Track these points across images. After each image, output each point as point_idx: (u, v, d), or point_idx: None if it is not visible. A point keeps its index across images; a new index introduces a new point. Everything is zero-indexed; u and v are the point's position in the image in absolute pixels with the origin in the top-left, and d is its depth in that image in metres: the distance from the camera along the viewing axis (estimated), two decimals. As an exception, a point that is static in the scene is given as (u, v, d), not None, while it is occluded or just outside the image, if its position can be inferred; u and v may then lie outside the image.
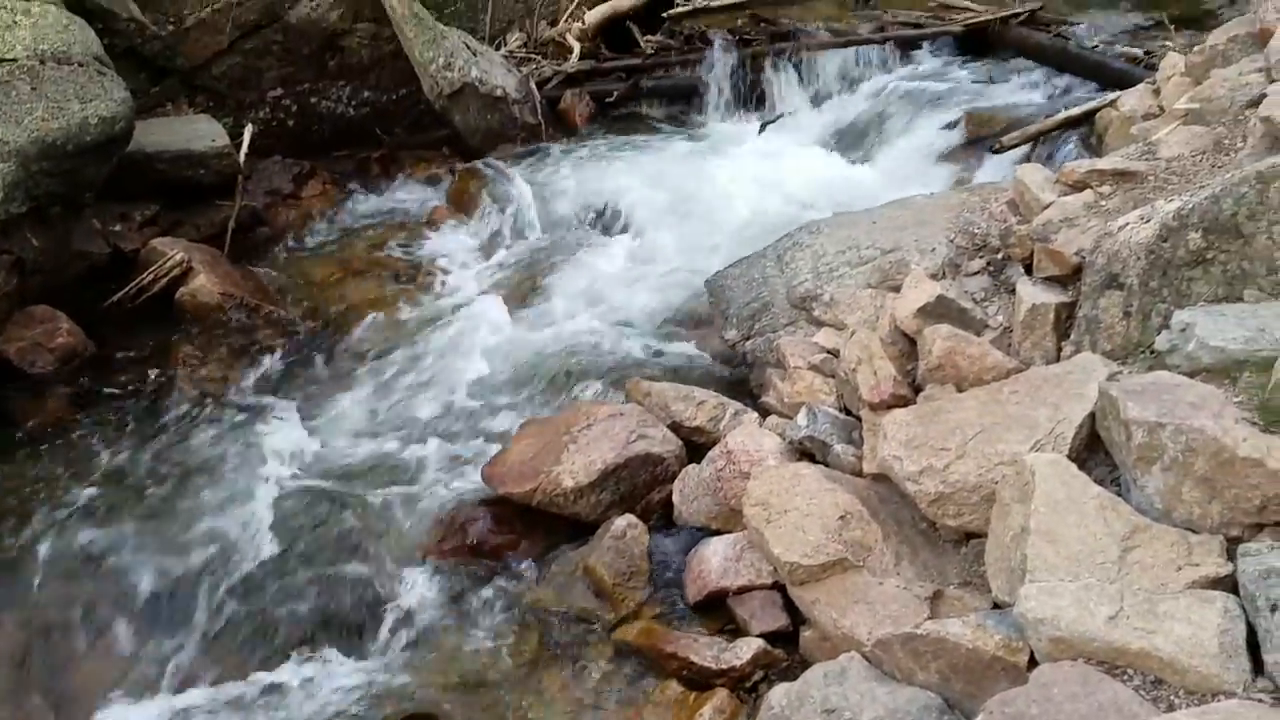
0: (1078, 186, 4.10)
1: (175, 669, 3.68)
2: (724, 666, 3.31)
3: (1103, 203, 3.91)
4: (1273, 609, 2.27)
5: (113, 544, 4.12)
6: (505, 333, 5.47)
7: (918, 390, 3.68)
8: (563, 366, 5.07)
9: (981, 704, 2.46)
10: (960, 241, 4.32)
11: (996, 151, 6.05)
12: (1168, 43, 6.60)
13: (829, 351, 4.28)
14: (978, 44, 7.56)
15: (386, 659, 3.70)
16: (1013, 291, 3.82)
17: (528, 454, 4.18)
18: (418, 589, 3.91)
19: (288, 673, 3.64)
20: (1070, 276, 3.63)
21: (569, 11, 8.33)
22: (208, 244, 6.01)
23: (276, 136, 7.27)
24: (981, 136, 6.39)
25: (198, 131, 6.42)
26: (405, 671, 3.62)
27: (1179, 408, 2.67)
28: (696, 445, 4.20)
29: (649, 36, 8.31)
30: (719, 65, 7.78)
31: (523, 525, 4.08)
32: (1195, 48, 5.10)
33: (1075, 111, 5.84)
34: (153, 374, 5.27)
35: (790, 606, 3.38)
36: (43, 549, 4.13)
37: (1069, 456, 2.91)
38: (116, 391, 5.12)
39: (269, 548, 4.07)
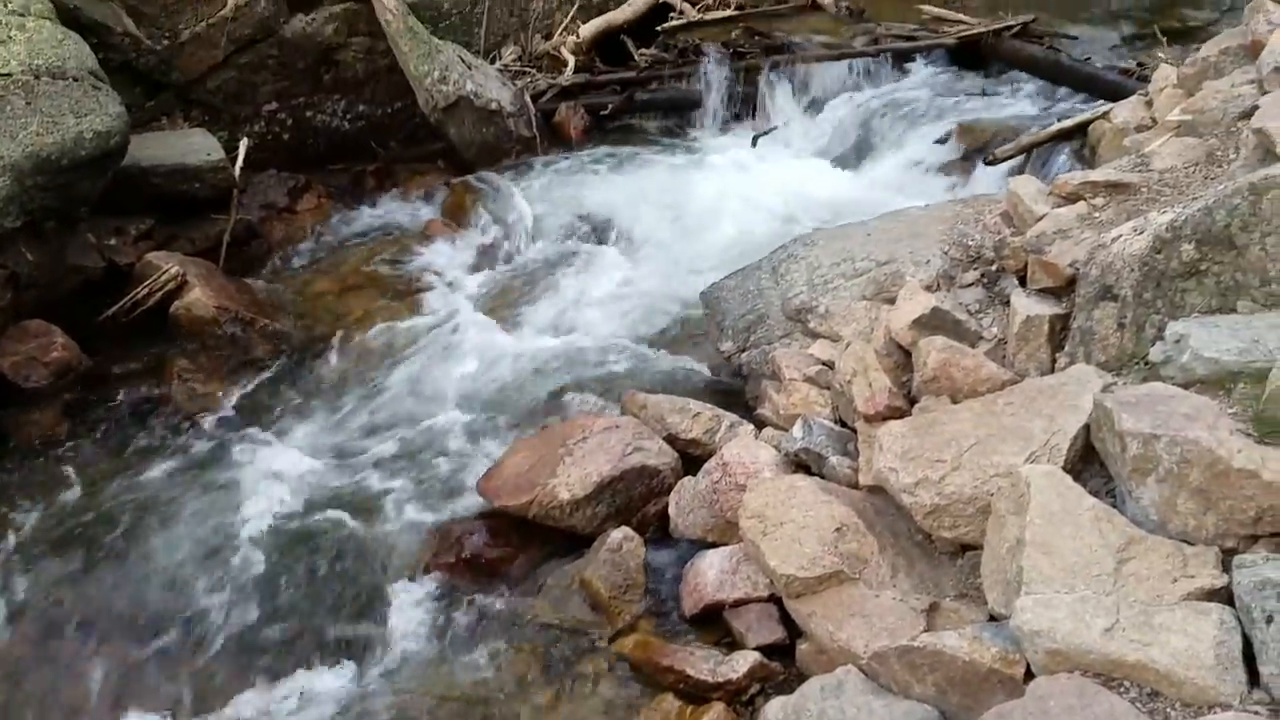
0: (1071, 198, 4.11)
1: (168, 688, 3.66)
2: (720, 680, 3.30)
3: (1096, 214, 3.93)
4: (1268, 620, 2.28)
5: (104, 561, 4.11)
6: (500, 346, 5.47)
7: (913, 402, 3.68)
8: (558, 379, 5.07)
9: (978, 717, 2.47)
10: (954, 253, 4.34)
11: (990, 163, 6.07)
12: (1160, 55, 6.62)
13: (824, 363, 4.29)
14: (971, 57, 7.58)
15: (382, 674, 3.69)
16: (1007, 303, 3.83)
17: (523, 467, 4.18)
18: (413, 603, 3.90)
19: (283, 690, 3.63)
20: (1064, 288, 3.64)
21: (563, 25, 8.35)
22: (203, 258, 6.00)
23: (272, 150, 7.27)
24: (975, 148, 6.41)
25: (193, 145, 6.42)
26: (401, 686, 3.61)
27: (1173, 419, 2.68)
28: (692, 458, 4.20)
29: (643, 50, 8.33)
30: (713, 78, 7.79)
31: (518, 538, 4.07)
32: (1187, 60, 5.12)
33: (1068, 123, 5.85)
34: (147, 387, 5.26)
35: (787, 619, 3.38)
36: (34, 565, 4.12)
37: (1064, 468, 2.92)
38: (111, 405, 5.11)
39: (263, 563, 4.06)
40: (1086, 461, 3.00)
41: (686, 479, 4.04)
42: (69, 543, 4.22)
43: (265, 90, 7.34)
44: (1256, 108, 3.74)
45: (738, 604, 3.47)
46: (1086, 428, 3.00)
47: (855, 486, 3.59)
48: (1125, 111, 5.28)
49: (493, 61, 7.98)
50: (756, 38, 8.23)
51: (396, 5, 7.22)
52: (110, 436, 4.89)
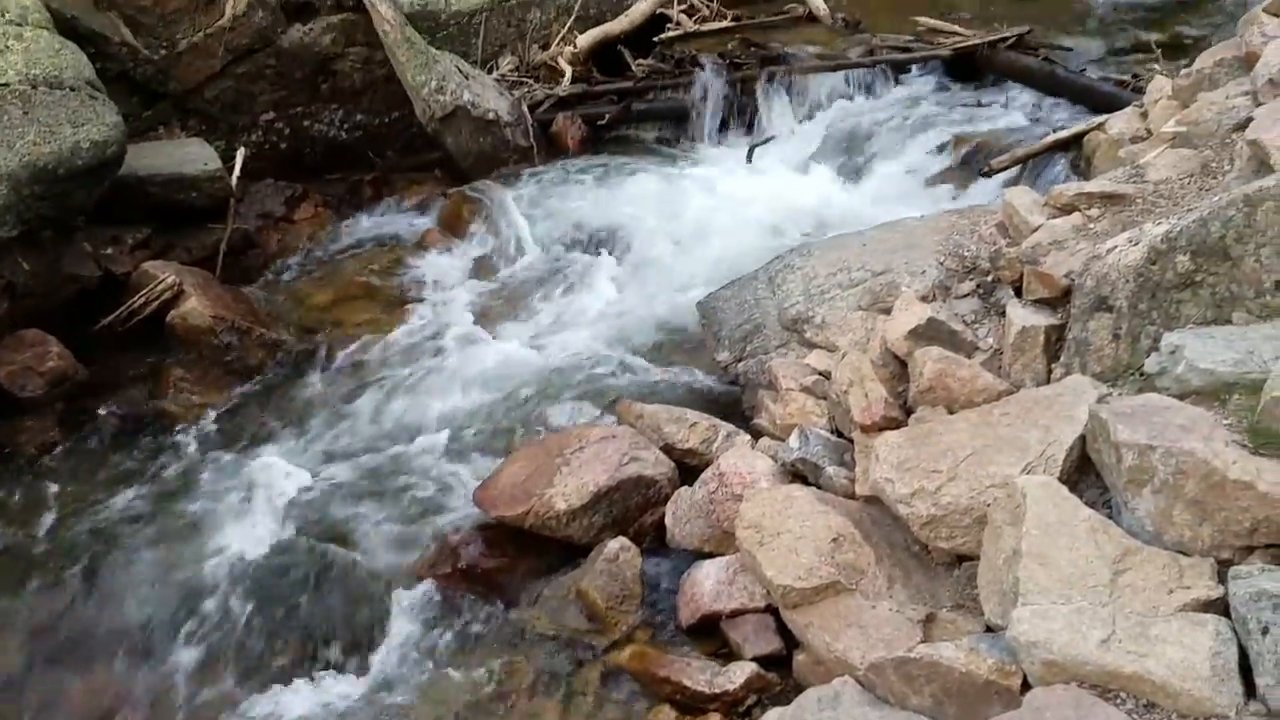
0: (1066, 209, 4.13)
1: (165, 697, 3.65)
2: (717, 691, 3.30)
3: (1091, 225, 3.94)
4: (1264, 632, 2.28)
5: (102, 569, 4.11)
6: (497, 355, 5.47)
7: (909, 412, 3.69)
8: (555, 389, 5.07)
9: (975, 728, 2.46)
10: (950, 264, 4.35)
11: (985, 174, 6.08)
12: (1155, 66, 6.64)
13: (821, 373, 4.29)
14: (966, 68, 7.59)
15: (378, 684, 3.69)
16: (1003, 314, 3.84)
17: (519, 477, 4.17)
18: (409, 613, 3.90)
19: (277, 700, 3.62)
20: (1060, 299, 3.65)
21: (561, 35, 8.36)
22: (199, 267, 5.99)
23: (269, 159, 7.28)
24: (970, 159, 6.42)
25: (190, 155, 6.43)
26: (397, 697, 3.61)
27: (1169, 430, 2.68)
28: (689, 467, 4.20)
29: (640, 60, 8.34)
30: (710, 88, 7.80)
31: (514, 548, 4.07)
32: (1182, 71, 5.13)
33: (1063, 134, 5.87)
34: (143, 397, 5.26)
35: (783, 630, 3.38)
36: (33, 574, 4.11)
37: (1060, 479, 2.92)
38: (107, 415, 5.10)
39: (259, 573, 4.04)
40: (1082, 472, 3.01)
41: (683, 489, 4.04)
42: (63, 554, 4.22)
43: (262, 100, 7.35)
44: (1251, 119, 3.75)
45: (734, 614, 3.47)
46: (1082, 438, 3.00)
47: (852, 497, 3.59)
48: (1120, 123, 5.29)
49: (490, 71, 7.99)
50: (753, 49, 8.24)
51: (394, 15, 7.23)
52: (106, 446, 4.89)
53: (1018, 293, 3.90)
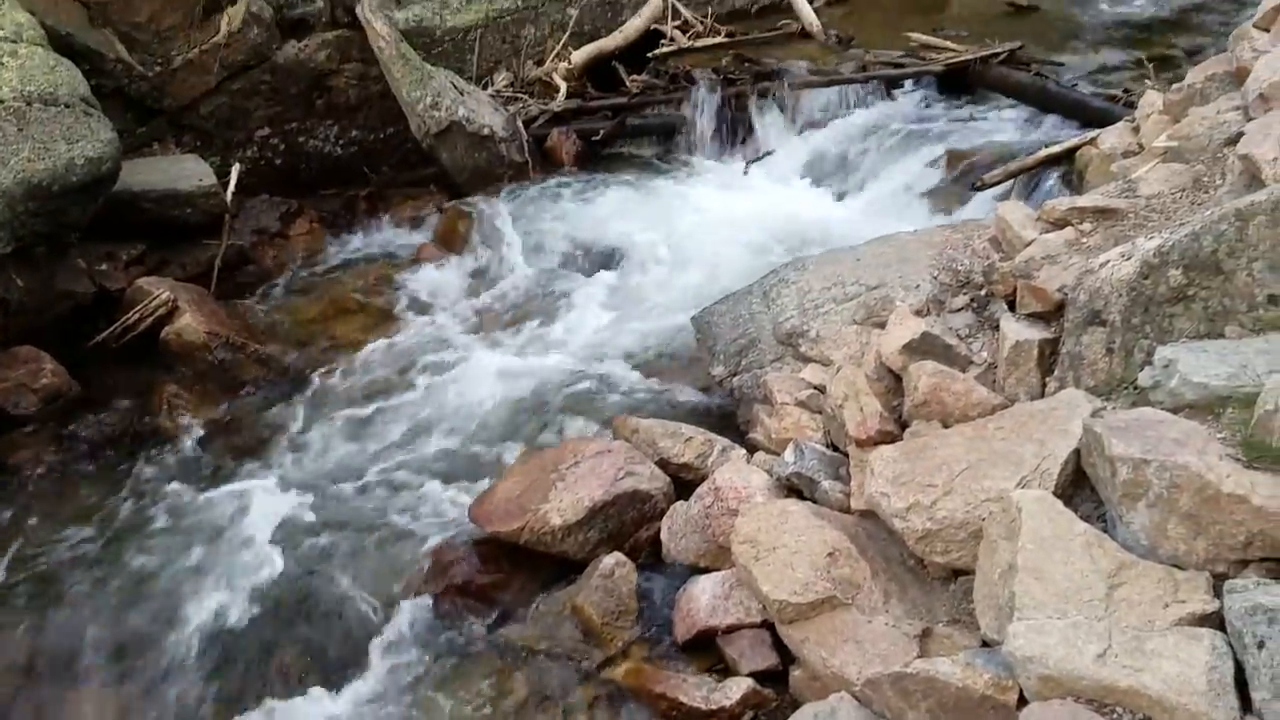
0: (1059, 224, 4.14)
1: (154, 715, 3.64)
2: (713, 707, 3.29)
3: (1084, 240, 3.95)
4: (1260, 646, 2.28)
5: (96, 586, 4.10)
6: (492, 370, 5.46)
7: (904, 426, 3.69)
8: (549, 404, 5.08)
9: (971, 743, 2.46)
10: (944, 278, 4.35)
11: (978, 189, 6.11)
12: (1146, 81, 6.67)
13: (816, 388, 4.30)
14: (958, 83, 7.63)
15: (372, 701, 3.67)
16: (997, 328, 3.85)
17: (515, 492, 4.17)
18: (404, 629, 3.88)
19: (272, 715, 3.60)
20: (1053, 313, 3.66)
21: (555, 51, 8.39)
22: (194, 283, 6.01)
23: (264, 175, 7.30)
24: (963, 174, 6.44)
25: (185, 171, 6.44)
26: (391, 713, 3.59)
27: (1163, 444, 2.69)
28: (684, 482, 4.19)
29: (635, 76, 8.37)
30: (704, 104, 7.83)
31: (510, 564, 4.06)
32: (1173, 86, 5.15)
33: (1056, 149, 5.89)
34: (137, 413, 5.25)
35: (780, 645, 3.37)
36: (25, 591, 4.10)
37: (1055, 493, 2.92)
38: (101, 431, 5.10)
39: (253, 590, 4.04)
40: (1077, 486, 3.01)
41: (679, 504, 4.03)
42: (57, 569, 4.21)
43: (258, 116, 7.37)
44: (1242, 134, 3.76)
45: (730, 630, 3.46)
46: (1077, 452, 3.01)
47: (847, 511, 3.59)
48: (1112, 137, 5.31)
49: (485, 87, 8.02)
50: (747, 64, 8.27)
51: (389, 32, 7.26)
52: (100, 463, 4.88)
53: (1011, 307, 3.91)
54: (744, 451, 4.25)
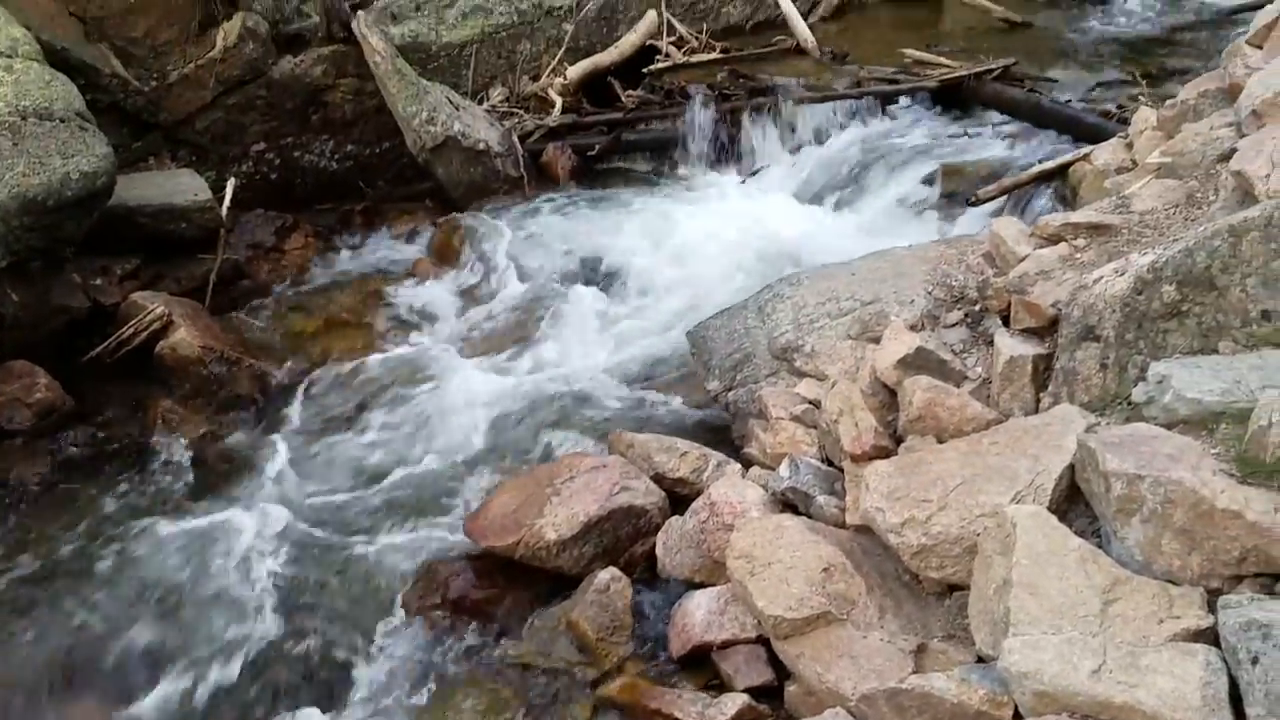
0: (1053, 239, 4.15)
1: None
2: (708, 722, 3.29)
3: (1077, 255, 3.96)
4: (1254, 661, 2.28)
5: (88, 602, 4.08)
6: (487, 385, 5.46)
7: (899, 441, 3.70)
8: (544, 418, 5.07)
9: (967, 759, 2.46)
10: (938, 293, 4.36)
11: (972, 204, 6.12)
12: (1139, 97, 6.70)
13: (810, 402, 4.30)
14: (953, 99, 7.65)
15: (365, 717, 3.65)
16: (991, 343, 3.86)
17: (509, 507, 4.16)
18: (398, 645, 3.88)
19: (266, 732, 3.60)
20: (1047, 328, 3.67)
21: (551, 67, 8.41)
22: (189, 297, 5.99)
23: (259, 190, 7.29)
24: (958, 189, 6.46)
25: (180, 185, 6.43)
26: (386, 730, 3.59)
27: (1157, 459, 2.69)
28: (680, 497, 4.19)
29: (630, 91, 8.39)
30: (699, 119, 7.85)
31: (504, 579, 4.05)
32: (1167, 102, 5.18)
33: (1049, 165, 5.91)
34: (131, 428, 5.24)
35: (775, 661, 3.36)
36: (15, 606, 4.08)
37: (1049, 508, 2.93)
38: (95, 446, 5.08)
39: (247, 605, 4.03)
40: (1072, 501, 3.01)
41: (674, 518, 4.03)
42: (48, 585, 4.19)
43: (253, 130, 7.38)
44: (1235, 150, 3.78)
45: (726, 645, 3.46)
46: (1071, 468, 3.01)
47: (842, 526, 3.59)
48: (1106, 153, 5.33)
49: (480, 102, 8.03)
50: (741, 80, 8.30)
51: (385, 47, 7.27)
52: (93, 478, 4.86)
53: (1005, 322, 3.92)
54: (739, 466, 4.25)
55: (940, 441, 3.51)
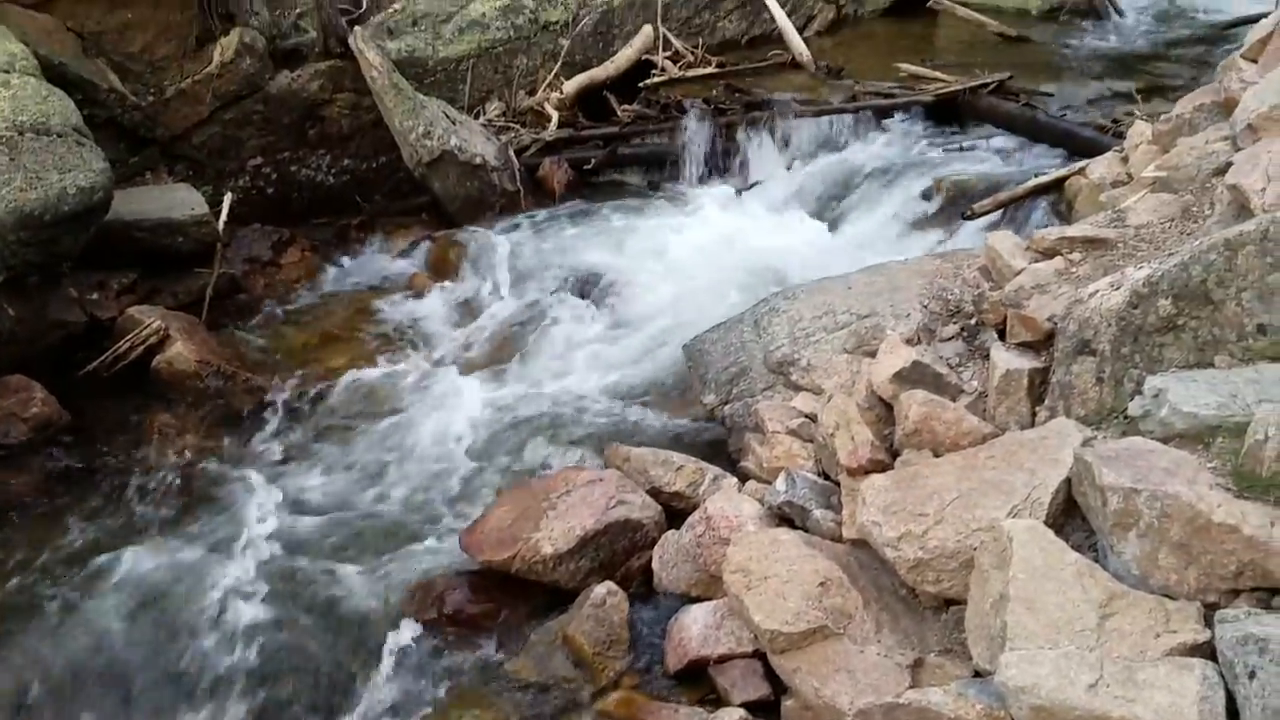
0: (1048, 253, 4.16)
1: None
2: (705, 737, 3.28)
3: (1073, 269, 3.97)
4: (1251, 676, 2.28)
5: (84, 616, 4.06)
6: (483, 399, 5.46)
7: (895, 455, 3.69)
8: (541, 432, 5.07)
9: (964, 774, 2.45)
10: (934, 307, 4.37)
11: (968, 218, 6.13)
12: (1135, 111, 6.72)
13: (807, 416, 4.30)
14: (948, 113, 7.68)
15: (363, 733, 3.65)
16: (987, 357, 3.85)
17: (506, 521, 4.16)
18: (394, 659, 3.86)
19: (262, 748, 3.59)
20: (1043, 342, 3.67)
21: (547, 81, 8.43)
22: (186, 312, 6.00)
23: (256, 204, 7.31)
24: (953, 203, 6.47)
25: (177, 200, 6.45)
26: (381, 745, 3.58)
27: (1153, 473, 2.69)
28: (676, 511, 4.19)
29: (626, 105, 8.41)
30: (695, 133, 7.87)
31: (501, 593, 4.04)
32: (1162, 116, 5.19)
33: (1045, 179, 5.92)
34: (128, 443, 5.23)
35: (772, 675, 3.35)
36: (12, 620, 4.06)
37: (1046, 522, 2.92)
38: (91, 461, 5.07)
39: (241, 620, 4.02)
40: (1068, 515, 3.01)
41: (670, 532, 4.02)
42: (45, 599, 4.17)
43: (250, 145, 7.39)
44: (1230, 164, 3.79)
45: (722, 660, 3.45)
46: (1068, 481, 3.01)
47: (839, 540, 3.59)
48: (1101, 167, 5.34)
49: (477, 117, 8.05)
50: (737, 94, 8.32)
51: (381, 62, 7.29)
52: (90, 492, 4.86)
53: (1001, 336, 3.92)
54: (735, 480, 4.25)
55: (936, 455, 3.51)
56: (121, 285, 5.96)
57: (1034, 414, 3.57)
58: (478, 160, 7.40)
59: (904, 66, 8.34)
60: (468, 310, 6.51)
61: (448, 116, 7.45)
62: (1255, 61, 4.74)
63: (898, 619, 3.21)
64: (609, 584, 3.82)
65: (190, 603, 4.11)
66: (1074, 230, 4.23)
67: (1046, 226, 4.99)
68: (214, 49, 7.12)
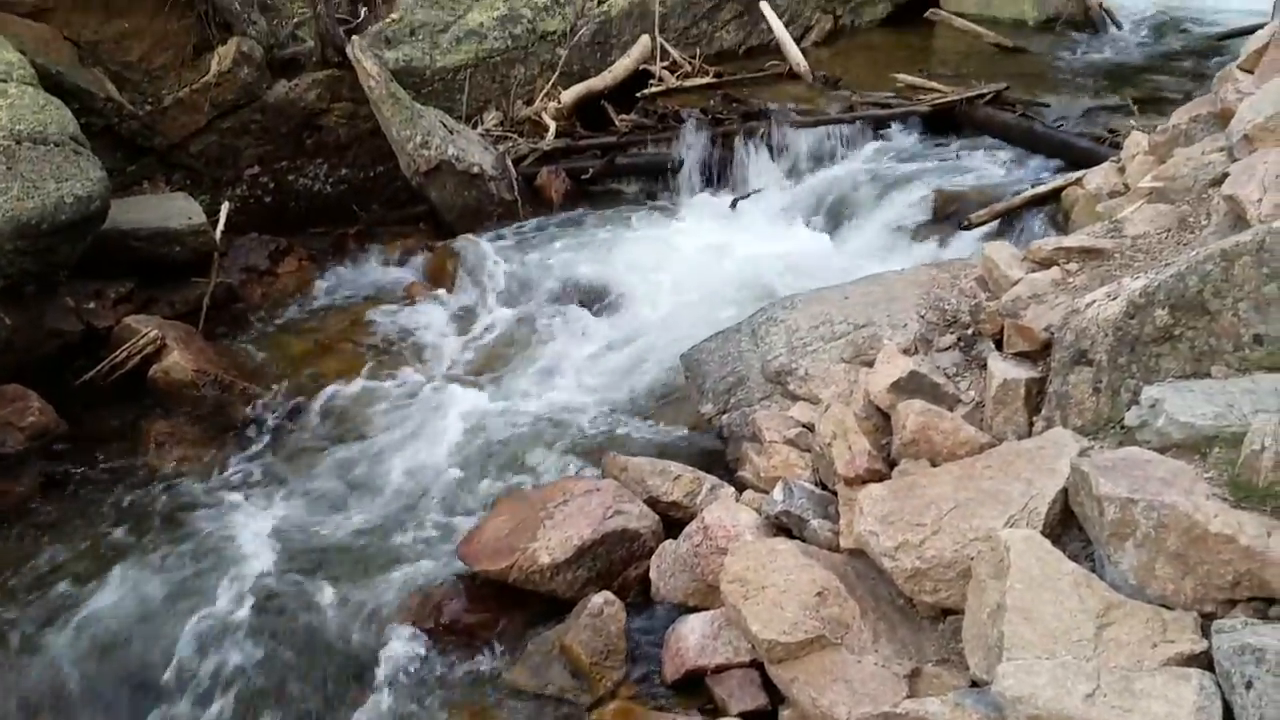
0: (1045, 263, 4.16)
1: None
2: (702, 748, 3.27)
3: (1070, 279, 3.97)
4: (1248, 686, 2.28)
5: (81, 625, 4.05)
6: (480, 408, 5.46)
7: (892, 465, 3.69)
8: (538, 442, 5.07)
9: (962, 785, 2.45)
10: (931, 317, 4.37)
11: (965, 228, 6.15)
12: (1131, 122, 6.74)
13: (804, 426, 4.30)
14: (945, 123, 7.70)
15: (359, 743, 3.64)
16: (984, 367, 3.86)
17: (503, 530, 4.15)
18: (391, 668, 3.85)
19: (258, 758, 3.58)
20: (1040, 352, 3.68)
21: (545, 91, 8.46)
22: (182, 321, 6.00)
23: (253, 213, 7.32)
24: (950, 213, 6.49)
25: (174, 209, 6.45)
26: (378, 756, 3.57)
27: (1150, 484, 2.69)
28: (673, 520, 4.18)
29: (623, 115, 8.43)
30: (692, 143, 7.88)
31: (498, 603, 4.04)
32: (1159, 127, 5.20)
33: (1042, 189, 5.94)
34: (125, 452, 5.22)
35: (769, 685, 3.34)
36: (7, 630, 4.05)
37: (1043, 532, 2.92)
38: (88, 470, 5.06)
39: (238, 629, 4.01)
40: (1065, 525, 3.01)
41: (668, 542, 4.02)
42: (41, 608, 4.16)
43: (247, 154, 7.40)
44: (1227, 174, 3.80)
45: (720, 669, 3.44)
46: (1064, 491, 3.01)
47: (836, 550, 3.59)
48: (1098, 178, 5.35)
49: (475, 126, 8.07)
50: (734, 104, 8.34)
51: (379, 71, 7.30)
52: (87, 501, 4.85)
53: (998, 346, 3.93)
54: (733, 490, 4.25)
55: (934, 465, 3.51)
56: (118, 294, 5.96)
57: (1031, 424, 3.58)
58: (475, 170, 7.40)
59: (901, 77, 8.37)
60: (465, 320, 6.51)
61: (445, 126, 7.47)
62: (1251, 73, 4.75)
63: (895, 629, 3.21)
64: (606, 594, 3.81)
65: (183, 612, 4.09)
66: (1071, 240, 4.25)
67: (1043, 237, 5.00)
68: (211, 58, 7.13)
